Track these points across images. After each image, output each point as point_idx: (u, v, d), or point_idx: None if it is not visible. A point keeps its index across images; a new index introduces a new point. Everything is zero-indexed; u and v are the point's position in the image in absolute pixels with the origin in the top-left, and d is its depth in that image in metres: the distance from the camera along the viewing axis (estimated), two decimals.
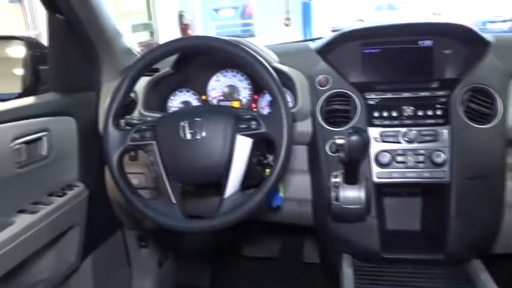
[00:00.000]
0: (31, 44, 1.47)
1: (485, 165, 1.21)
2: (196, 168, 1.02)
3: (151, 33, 5.82)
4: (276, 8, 7.83)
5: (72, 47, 1.42)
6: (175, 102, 1.44)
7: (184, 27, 7.07)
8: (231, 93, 1.39)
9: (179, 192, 1.04)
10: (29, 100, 1.33)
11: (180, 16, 7.41)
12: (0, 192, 1.12)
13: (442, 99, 1.23)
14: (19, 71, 1.56)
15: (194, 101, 1.42)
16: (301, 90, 1.24)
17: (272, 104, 1.26)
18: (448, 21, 1.35)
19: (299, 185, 1.36)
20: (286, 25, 7.63)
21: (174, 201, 1.03)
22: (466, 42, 1.29)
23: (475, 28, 1.31)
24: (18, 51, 1.53)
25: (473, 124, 1.21)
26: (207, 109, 1.16)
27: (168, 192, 1.03)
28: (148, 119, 1.21)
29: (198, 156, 1.01)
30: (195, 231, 1.06)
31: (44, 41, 1.46)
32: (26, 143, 1.18)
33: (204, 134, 1.00)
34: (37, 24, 4.51)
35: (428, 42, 1.30)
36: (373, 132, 1.25)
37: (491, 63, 1.26)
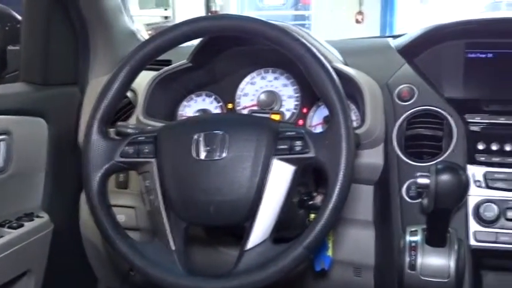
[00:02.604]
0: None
1: None
2: (210, 202, 1.01)
3: (166, 17, 6.03)
4: None
5: (55, 23, 1.46)
6: (190, 110, 1.46)
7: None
8: (270, 102, 1.39)
9: (182, 236, 1.04)
10: None
11: (208, 0, 7.60)
12: None
13: None
14: None
15: (216, 110, 1.44)
16: (372, 103, 1.23)
17: (328, 120, 1.26)
18: None
19: (357, 242, 1.35)
20: (358, 21, 7.68)
21: (173, 247, 1.02)
22: None
23: None
24: None
25: None
26: (232, 119, 1.17)
27: (165, 234, 1.03)
28: (149, 128, 1.22)
29: (214, 184, 1.01)
30: None
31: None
32: None
33: (225, 153, 1.01)
34: None
35: None
36: (475, 172, 1.23)
37: None
